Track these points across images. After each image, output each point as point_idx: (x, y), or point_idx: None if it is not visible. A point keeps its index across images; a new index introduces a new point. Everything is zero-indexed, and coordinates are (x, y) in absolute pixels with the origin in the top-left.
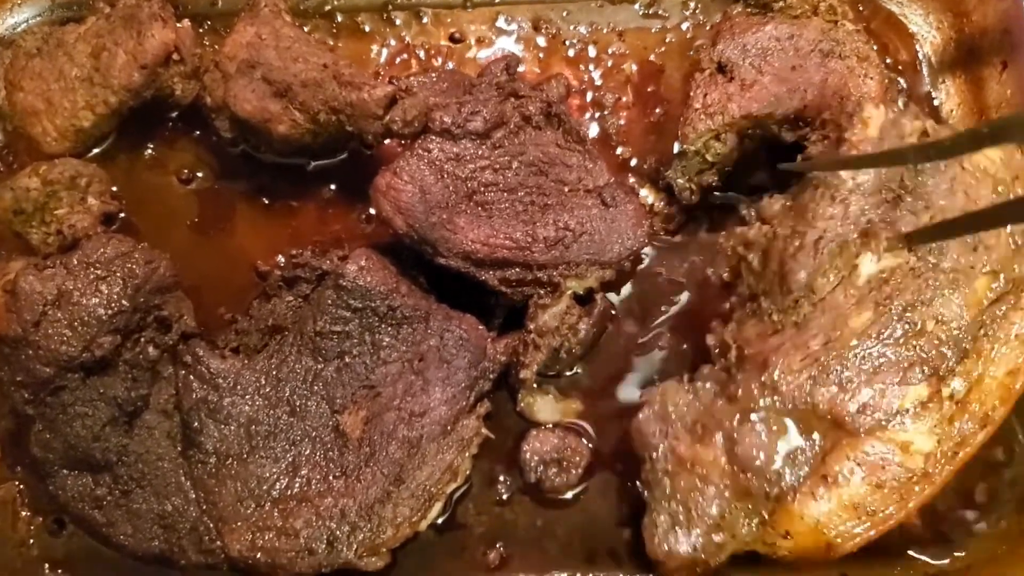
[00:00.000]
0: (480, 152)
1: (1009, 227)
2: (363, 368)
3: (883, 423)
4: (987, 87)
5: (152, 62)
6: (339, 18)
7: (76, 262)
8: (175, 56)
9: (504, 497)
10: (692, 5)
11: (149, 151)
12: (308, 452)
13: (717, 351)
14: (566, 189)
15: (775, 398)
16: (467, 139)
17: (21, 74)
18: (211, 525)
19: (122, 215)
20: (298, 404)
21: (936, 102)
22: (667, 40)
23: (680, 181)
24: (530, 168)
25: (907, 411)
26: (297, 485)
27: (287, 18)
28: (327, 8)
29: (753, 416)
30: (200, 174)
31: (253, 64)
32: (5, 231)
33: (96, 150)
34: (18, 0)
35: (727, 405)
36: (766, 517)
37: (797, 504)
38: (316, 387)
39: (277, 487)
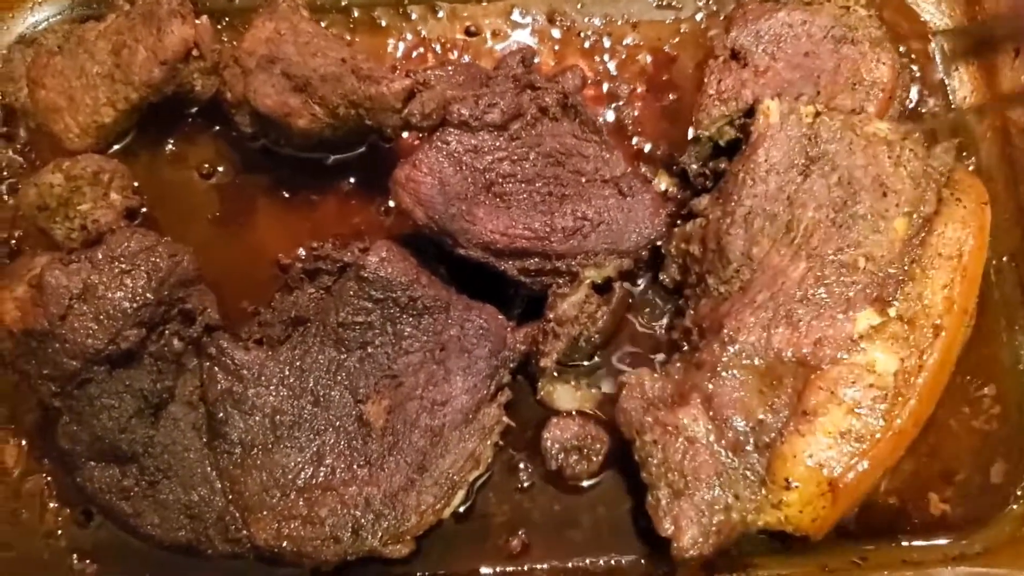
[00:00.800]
0: (498, 144)
1: (907, 169)
2: (385, 358)
3: (842, 351)
4: (1000, 73)
5: (172, 58)
6: (356, 13)
7: (101, 256)
8: (194, 52)
9: (525, 485)
10: None
11: (170, 146)
12: (332, 441)
13: (681, 339)
14: (583, 180)
15: (736, 347)
16: (485, 131)
17: (43, 72)
18: (237, 515)
19: (144, 210)
20: (322, 394)
21: (949, 89)
22: (681, 30)
23: (694, 167)
24: (547, 159)
25: (861, 336)
26: (322, 474)
27: (305, 13)
28: (344, 3)
29: (722, 371)
30: (221, 169)
31: (272, 59)
32: (29, 227)
33: (117, 146)
34: None
35: (697, 371)
36: (763, 472)
37: (787, 445)
38: (339, 377)
39: (302, 476)
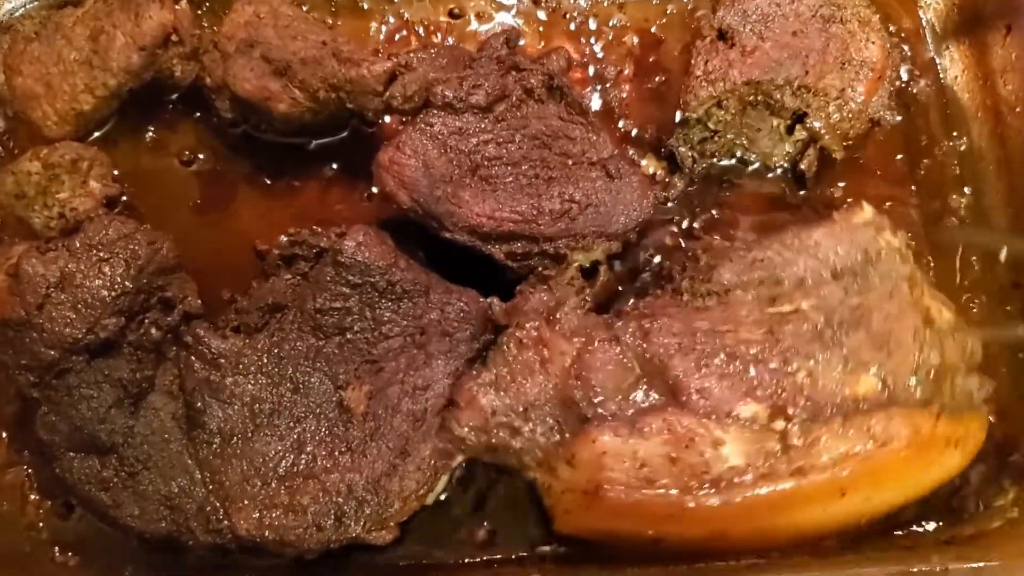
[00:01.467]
0: (482, 126)
1: (922, 354)
2: (364, 343)
3: (711, 413)
4: (991, 52)
5: (151, 44)
6: None
7: (79, 244)
8: (174, 37)
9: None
10: None
11: (150, 134)
12: (313, 429)
13: (624, 312)
14: (570, 162)
15: (640, 343)
16: (469, 113)
17: (20, 59)
18: (218, 505)
19: (124, 198)
20: (301, 381)
21: (940, 67)
22: (668, 11)
23: (682, 149)
24: (533, 141)
25: (737, 418)
26: (303, 462)
27: None
28: None
29: (614, 345)
30: (201, 156)
31: (252, 43)
32: (7, 215)
33: (97, 133)
34: None
35: (600, 328)
36: (566, 436)
37: (599, 431)
38: (318, 364)
39: (283, 465)
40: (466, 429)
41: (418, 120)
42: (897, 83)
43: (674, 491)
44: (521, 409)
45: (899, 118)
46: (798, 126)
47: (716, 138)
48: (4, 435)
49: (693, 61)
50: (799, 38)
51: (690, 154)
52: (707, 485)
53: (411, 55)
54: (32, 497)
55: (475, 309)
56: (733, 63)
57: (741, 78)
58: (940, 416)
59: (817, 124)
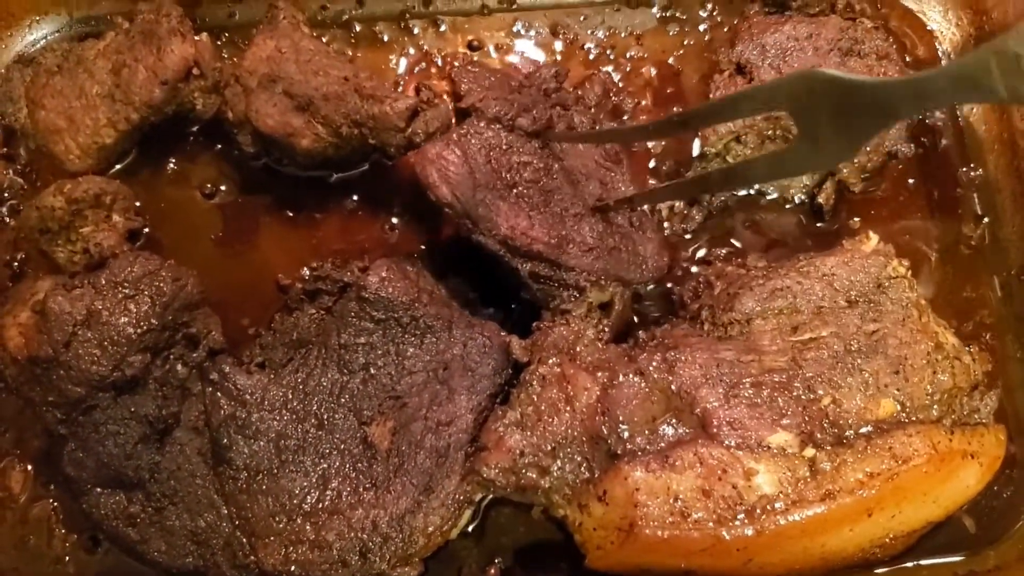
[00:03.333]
0: (525, 148)
1: (936, 377)
2: (388, 379)
3: (742, 444)
4: None
5: (173, 78)
6: (357, 27)
7: (104, 281)
8: (195, 71)
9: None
10: (709, 7)
11: (171, 166)
12: (337, 465)
13: (639, 337)
14: (597, 204)
15: (666, 375)
16: (515, 133)
17: (42, 92)
18: (244, 540)
19: (146, 230)
20: (325, 417)
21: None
22: (685, 43)
23: None
24: (568, 176)
25: (768, 448)
26: (328, 498)
27: (306, 30)
28: (345, 18)
29: (638, 377)
30: (223, 188)
31: (274, 78)
32: (31, 250)
33: (118, 166)
34: (36, 17)
35: (623, 361)
36: (596, 472)
37: (630, 467)
38: (343, 399)
39: (308, 501)
40: (495, 471)
41: (470, 124)
42: (914, 116)
43: (709, 524)
44: (549, 448)
45: (915, 150)
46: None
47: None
48: (30, 469)
49: (711, 95)
50: None
51: None
52: (741, 516)
53: (457, 70)
54: (59, 531)
55: (496, 343)
56: None
57: (762, 113)
58: (954, 431)
59: None
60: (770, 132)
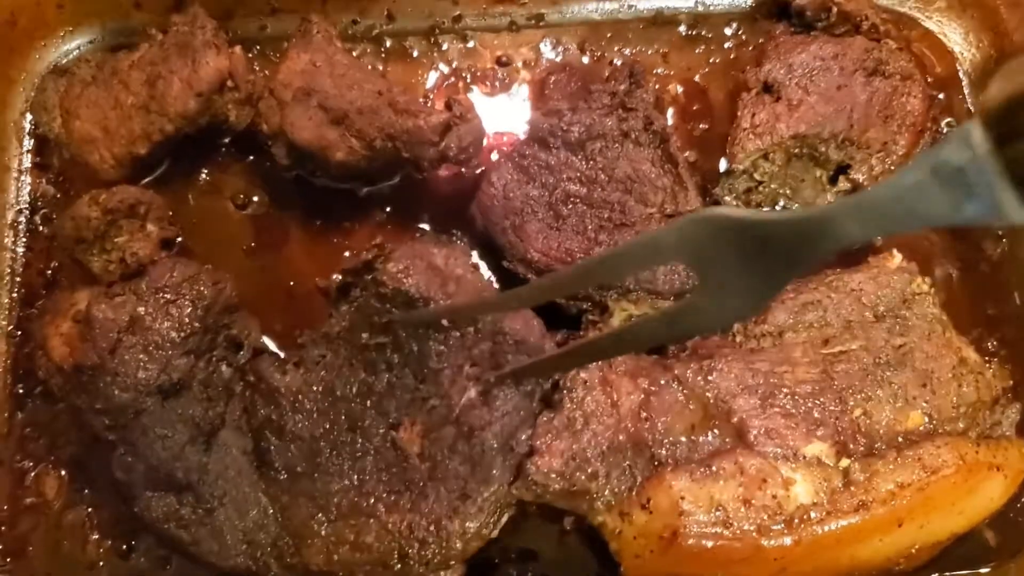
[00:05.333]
0: (571, 162)
1: (961, 389)
2: (412, 379)
3: (779, 454)
4: None
5: (207, 90)
6: (388, 42)
7: (145, 288)
8: (229, 83)
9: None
10: (735, 25)
11: (203, 176)
12: (371, 468)
13: (672, 352)
14: (648, 211)
15: (702, 382)
16: (563, 149)
17: (77, 102)
18: (290, 540)
19: (179, 239)
20: (356, 420)
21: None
22: (711, 61)
23: (728, 199)
24: (618, 184)
25: (804, 457)
26: (364, 502)
27: (339, 44)
28: (375, 32)
29: (677, 384)
30: (255, 199)
31: (309, 91)
32: (65, 259)
33: (150, 176)
34: (70, 28)
35: (660, 370)
36: (639, 479)
37: (674, 474)
38: (370, 402)
39: (344, 504)
40: (550, 475)
41: (513, 151)
42: (936, 136)
43: (751, 533)
44: (599, 451)
45: None
46: (841, 177)
47: (760, 188)
48: (64, 475)
49: (740, 113)
50: (843, 92)
51: (735, 203)
52: (780, 525)
53: (550, 78)
54: (93, 536)
55: (531, 336)
56: (780, 116)
57: (788, 132)
58: (980, 443)
59: (860, 176)
60: (796, 150)
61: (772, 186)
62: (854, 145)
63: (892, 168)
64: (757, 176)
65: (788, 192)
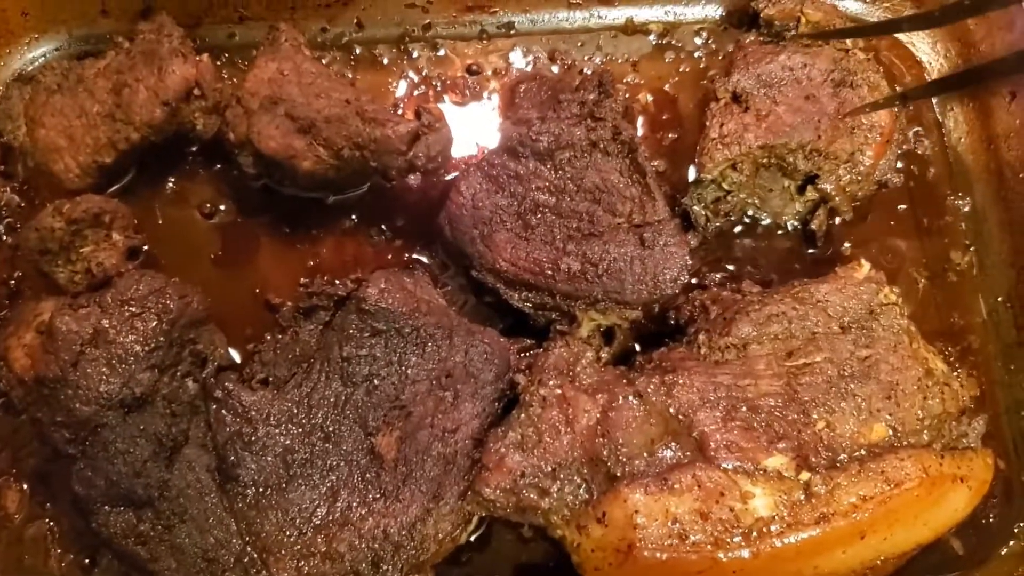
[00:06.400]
0: (540, 171)
1: (926, 401)
2: (392, 389)
3: (739, 467)
4: (995, 116)
5: (174, 98)
6: (357, 50)
7: (110, 300)
8: (196, 91)
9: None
10: (705, 35)
11: (170, 185)
12: (345, 476)
13: (636, 361)
14: (615, 220)
15: (664, 398)
16: (532, 158)
17: (42, 110)
18: (256, 556)
19: (145, 248)
20: (331, 430)
21: (944, 129)
22: (680, 70)
23: (696, 208)
24: (586, 194)
25: (764, 471)
26: (338, 510)
27: (307, 52)
28: (345, 40)
29: (637, 399)
30: (222, 208)
31: (276, 100)
32: (30, 270)
33: (116, 185)
34: (35, 35)
35: (621, 383)
36: (596, 494)
37: (629, 488)
38: (348, 411)
39: (318, 513)
40: (496, 492)
41: (482, 160)
42: (904, 146)
43: (707, 546)
44: (549, 469)
45: (903, 182)
46: (809, 187)
47: (729, 198)
48: (26, 488)
49: (708, 123)
50: (811, 102)
51: (704, 213)
52: (737, 538)
53: (521, 86)
54: (55, 551)
55: (498, 349)
56: (748, 127)
57: (756, 142)
58: (944, 455)
59: (827, 186)
60: (764, 160)
61: (741, 195)
62: (821, 155)
63: (859, 178)
64: (725, 186)
65: (756, 202)
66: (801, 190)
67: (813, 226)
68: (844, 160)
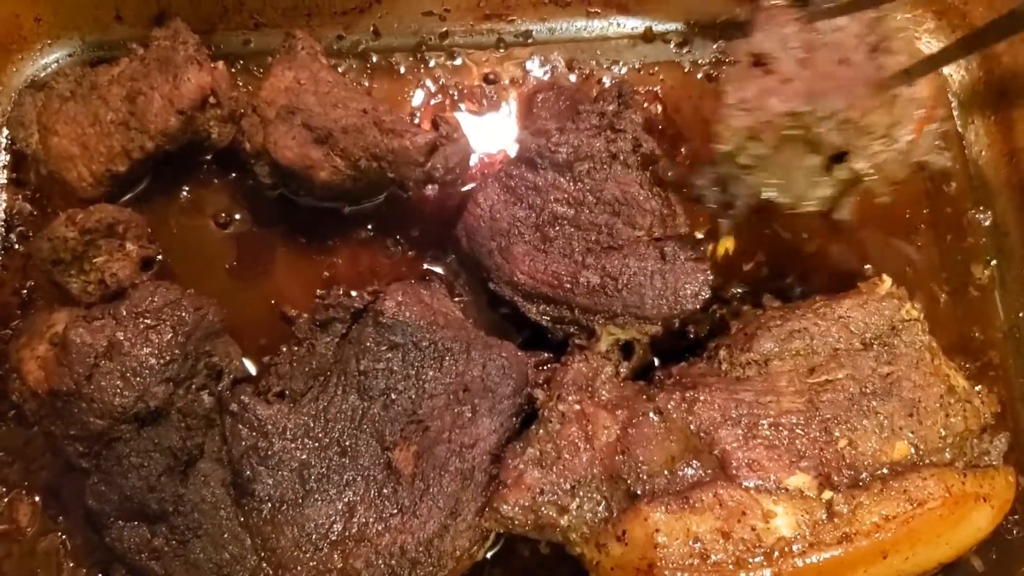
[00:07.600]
0: (558, 183)
1: (948, 420)
2: (409, 403)
3: (761, 486)
4: (1017, 129)
5: (189, 106)
6: (374, 58)
7: (125, 312)
8: (211, 100)
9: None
10: (722, 43)
11: (185, 194)
12: (362, 492)
13: (656, 376)
14: (636, 234)
15: (685, 415)
16: (550, 170)
17: (55, 118)
18: (271, 572)
19: (159, 257)
20: (348, 444)
21: (965, 142)
22: (699, 77)
23: (706, 193)
24: (605, 207)
25: (786, 490)
26: (355, 526)
27: (324, 61)
28: (361, 48)
29: (658, 416)
30: (237, 217)
31: (292, 110)
32: (43, 280)
33: (130, 194)
34: (48, 41)
35: (641, 399)
36: (615, 512)
37: (650, 507)
38: (365, 426)
39: (335, 529)
40: (515, 509)
41: (500, 171)
42: (946, 125)
43: (728, 566)
44: (568, 486)
45: (949, 162)
46: (837, 166)
47: (745, 177)
48: (38, 501)
49: (726, 88)
50: (844, 67)
51: (714, 196)
52: (759, 558)
53: (539, 95)
54: (67, 564)
55: (515, 363)
56: (771, 91)
57: (782, 107)
58: (966, 474)
59: (862, 164)
60: (790, 130)
61: (761, 175)
62: (855, 128)
63: (897, 156)
64: (743, 160)
65: (776, 182)
66: (829, 168)
67: (837, 217)
68: (880, 135)
